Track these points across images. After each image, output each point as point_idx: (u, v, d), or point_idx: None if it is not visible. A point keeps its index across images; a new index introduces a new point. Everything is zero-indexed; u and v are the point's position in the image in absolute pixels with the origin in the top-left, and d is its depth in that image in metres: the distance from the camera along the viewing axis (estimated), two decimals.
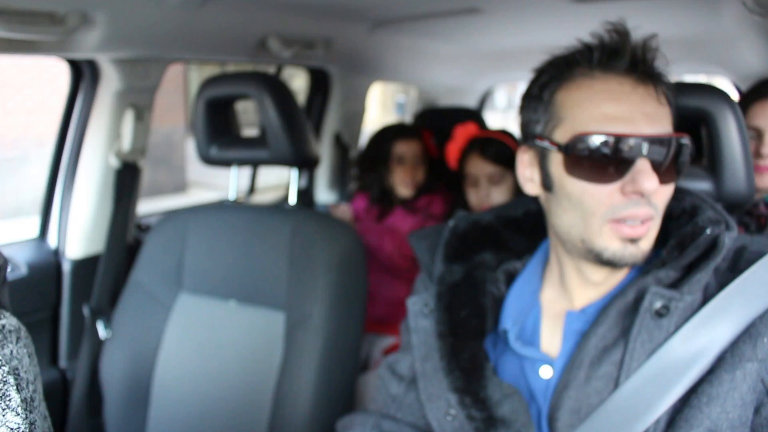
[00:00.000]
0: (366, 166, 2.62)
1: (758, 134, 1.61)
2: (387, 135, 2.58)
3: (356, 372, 1.70)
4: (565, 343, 1.02)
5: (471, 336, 1.08)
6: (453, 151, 2.35)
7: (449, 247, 1.16)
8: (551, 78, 1.00)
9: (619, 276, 1.03)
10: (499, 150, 2.23)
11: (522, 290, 1.11)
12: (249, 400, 1.66)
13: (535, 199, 1.14)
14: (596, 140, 0.92)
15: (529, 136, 1.04)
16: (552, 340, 1.05)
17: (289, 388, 1.60)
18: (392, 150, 2.53)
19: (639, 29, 0.98)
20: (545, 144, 0.99)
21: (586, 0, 1.89)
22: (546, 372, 1.02)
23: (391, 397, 1.17)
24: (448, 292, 1.12)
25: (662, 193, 0.95)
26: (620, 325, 0.96)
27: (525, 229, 1.18)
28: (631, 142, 0.91)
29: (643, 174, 0.91)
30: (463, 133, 2.34)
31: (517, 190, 2.17)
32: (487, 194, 2.22)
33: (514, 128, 2.16)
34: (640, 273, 1.00)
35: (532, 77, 1.05)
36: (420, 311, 1.14)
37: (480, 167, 2.23)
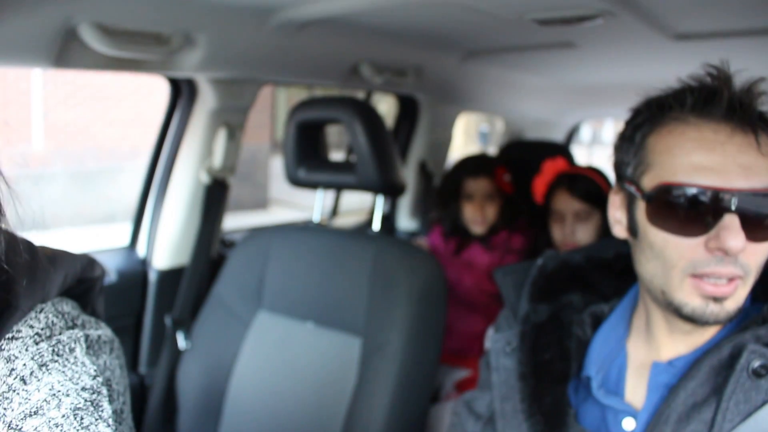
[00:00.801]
0: (440, 202, 2.59)
1: None
2: (458, 171, 2.54)
3: (429, 401, 1.68)
4: (650, 396, 0.97)
5: (554, 380, 1.04)
6: (540, 185, 2.31)
7: (536, 285, 1.13)
8: (644, 120, 0.96)
9: (712, 330, 0.97)
10: (588, 187, 2.18)
11: (608, 336, 1.07)
12: (320, 423, 1.65)
13: (626, 242, 1.10)
14: (681, 191, 0.88)
15: (620, 177, 1.01)
16: (636, 391, 1.00)
17: (361, 414, 1.58)
18: (462, 187, 2.48)
19: (744, 72, 0.92)
20: (632, 189, 0.96)
21: (687, 38, 1.83)
22: (629, 424, 0.97)
23: None
24: (532, 331, 1.09)
25: (755, 252, 0.88)
26: (712, 383, 0.90)
27: (614, 271, 1.14)
28: (719, 196, 0.86)
29: (729, 231, 0.85)
30: (551, 167, 2.30)
31: (604, 230, 2.13)
32: (572, 231, 2.17)
33: (600, 163, 2.12)
34: (737, 328, 0.94)
35: (628, 117, 1.01)
36: (502, 349, 1.10)
37: (567, 203, 2.18)
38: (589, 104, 3.40)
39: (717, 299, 0.88)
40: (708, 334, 0.97)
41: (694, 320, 0.91)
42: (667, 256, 0.91)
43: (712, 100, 0.89)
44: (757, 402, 0.86)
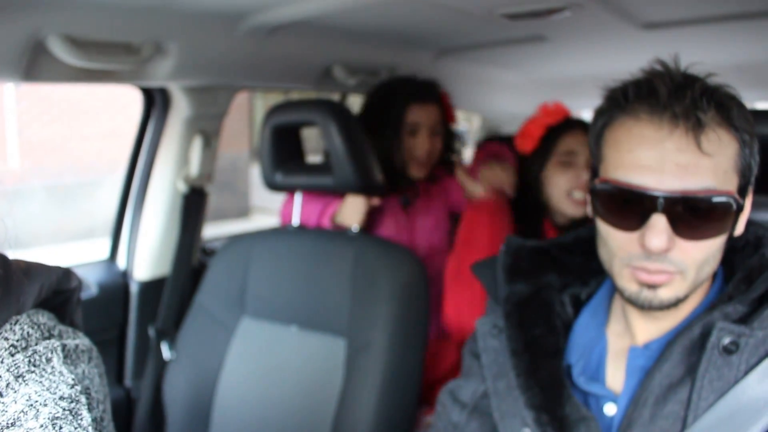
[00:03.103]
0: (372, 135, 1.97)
1: None
2: (397, 94, 2.04)
3: (416, 400, 1.68)
4: (628, 380, 0.99)
5: (548, 354, 1.05)
6: (536, 128, 2.00)
7: (505, 266, 1.15)
8: (602, 113, 0.98)
9: (683, 311, 0.98)
10: None
11: (588, 323, 1.08)
12: (308, 426, 1.65)
13: (583, 226, 1.15)
14: (616, 189, 0.91)
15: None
16: (616, 376, 1.01)
17: (349, 415, 1.59)
18: (404, 116, 2.02)
19: (701, 65, 0.92)
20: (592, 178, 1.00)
21: (655, 27, 1.85)
22: (610, 409, 0.99)
23: (452, 425, 1.15)
24: (516, 309, 1.10)
25: (688, 250, 0.90)
26: (686, 363, 0.92)
27: (577, 252, 1.16)
28: (647, 196, 0.88)
29: (652, 231, 0.87)
30: (554, 110, 2.01)
31: None
32: (587, 179, 1.84)
33: None
34: (707, 308, 0.96)
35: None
36: (489, 332, 1.12)
37: (583, 145, 1.90)
38: (564, 97, 3.40)
39: (651, 286, 0.91)
40: (679, 315, 0.98)
41: (633, 305, 0.95)
42: (610, 246, 0.95)
43: (651, 95, 0.90)
44: (729, 378, 0.88)
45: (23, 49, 1.38)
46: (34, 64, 1.43)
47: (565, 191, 1.91)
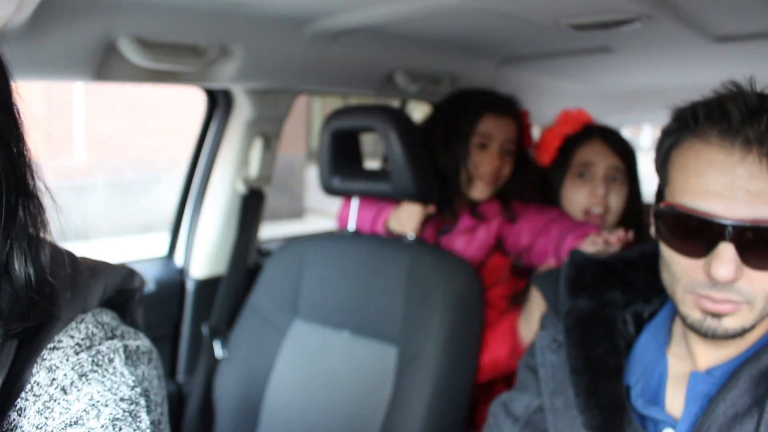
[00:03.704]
0: (440, 144, 1.88)
1: None
2: (469, 102, 1.90)
3: (466, 412, 1.66)
4: (688, 406, 0.95)
5: (610, 375, 1.03)
6: (554, 137, 1.89)
7: (569, 279, 1.13)
8: (670, 133, 0.95)
9: (749, 339, 0.94)
10: (623, 141, 1.82)
11: (648, 344, 1.05)
12: None
13: (648, 242, 1.11)
14: (683, 215, 0.88)
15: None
16: (675, 400, 0.98)
17: (398, 424, 1.58)
18: (475, 126, 1.86)
19: None
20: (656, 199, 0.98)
21: (728, 40, 1.79)
22: None
23: None
24: (577, 325, 1.08)
25: (757, 279, 0.86)
26: (753, 393, 0.88)
27: (641, 269, 1.13)
28: (716, 223, 0.85)
29: (720, 261, 0.84)
30: (573, 117, 1.91)
31: (630, 204, 1.85)
32: (605, 194, 1.79)
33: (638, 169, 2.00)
34: None
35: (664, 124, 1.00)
36: (548, 346, 1.11)
37: (602, 157, 1.81)
38: (627, 109, 3.35)
39: (715, 315, 0.89)
40: (744, 343, 0.95)
41: (696, 332, 0.92)
42: (674, 271, 0.92)
43: (722, 117, 0.86)
44: None
45: (95, 50, 1.41)
46: (105, 65, 1.47)
47: (582, 209, 1.82)
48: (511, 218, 1.85)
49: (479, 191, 1.86)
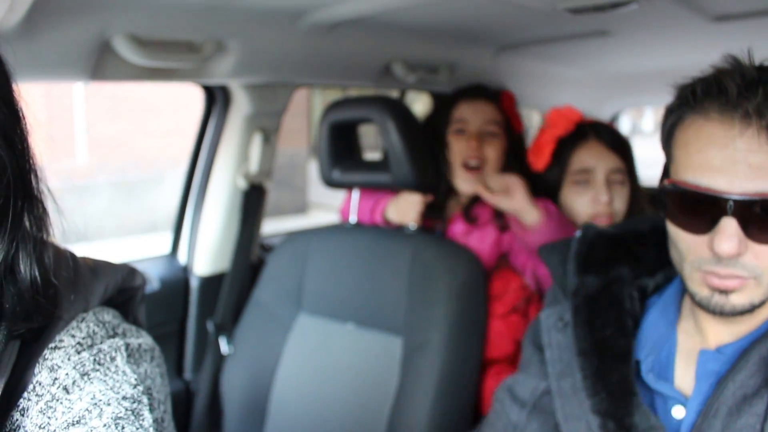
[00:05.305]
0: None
1: None
2: (449, 97, 1.92)
3: (473, 401, 1.66)
4: (698, 384, 0.95)
5: (618, 358, 1.02)
6: (546, 142, 1.79)
7: (580, 256, 1.12)
8: (672, 111, 0.95)
9: (759, 317, 0.94)
10: (620, 137, 1.75)
11: (658, 319, 1.05)
12: (363, 424, 1.65)
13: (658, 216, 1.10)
14: (685, 191, 0.88)
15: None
16: (685, 377, 0.98)
17: (405, 414, 1.58)
18: (451, 115, 1.88)
19: None
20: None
21: (726, 19, 1.78)
22: (679, 412, 0.95)
23: (512, 425, 1.13)
24: (585, 304, 1.08)
25: (761, 254, 0.86)
26: (764, 373, 0.88)
27: (652, 243, 1.12)
28: (717, 199, 0.84)
29: (722, 235, 0.84)
30: (563, 117, 1.80)
31: (633, 204, 1.78)
32: (608, 199, 1.71)
33: (641, 154, 1.96)
34: None
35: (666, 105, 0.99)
36: (554, 325, 1.10)
37: (600, 158, 1.72)
38: (628, 93, 3.34)
39: (722, 291, 0.88)
40: (755, 321, 0.94)
41: (704, 309, 0.92)
42: (680, 248, 0.92)
43: (720, 92, 0.86)
44: None
45: (90, 50, 1.41)
46: (101, 64, 1.47)
47: (587, 217, 1.73)
48: (502, 226, 1.79)
49: (463, 182, 1.84)
